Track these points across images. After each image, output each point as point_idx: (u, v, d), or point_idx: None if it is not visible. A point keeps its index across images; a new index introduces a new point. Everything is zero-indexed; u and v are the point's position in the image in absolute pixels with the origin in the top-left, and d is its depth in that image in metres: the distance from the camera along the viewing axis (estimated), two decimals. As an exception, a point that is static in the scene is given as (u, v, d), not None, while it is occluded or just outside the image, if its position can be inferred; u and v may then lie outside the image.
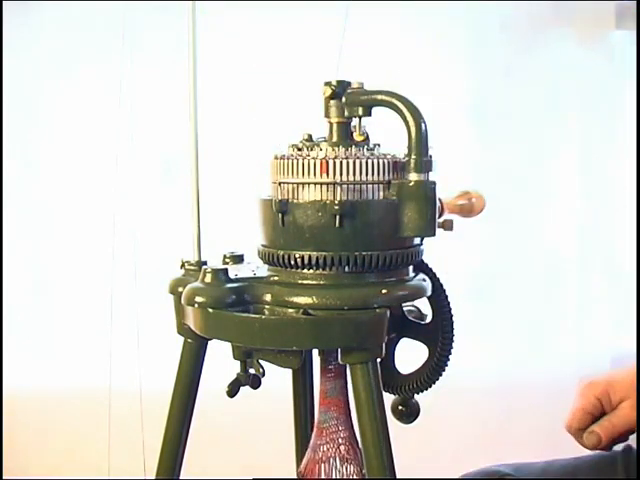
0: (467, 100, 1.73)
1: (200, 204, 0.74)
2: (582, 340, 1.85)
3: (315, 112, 0.72)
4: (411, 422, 0.78)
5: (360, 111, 0.69)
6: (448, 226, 0.74)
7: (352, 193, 0.66)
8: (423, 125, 0.66)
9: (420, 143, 0.66)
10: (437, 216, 0.68)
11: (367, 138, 0.70)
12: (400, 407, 0.78)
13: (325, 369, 0.74)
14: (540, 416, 1.81)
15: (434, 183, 0.67)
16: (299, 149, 0.69)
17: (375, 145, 0.69)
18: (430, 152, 0.68)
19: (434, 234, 0.67)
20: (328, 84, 0.69)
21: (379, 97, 0.68)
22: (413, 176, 0.66)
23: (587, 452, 0.88)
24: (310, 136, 0.70)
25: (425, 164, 0.66)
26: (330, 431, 0.73)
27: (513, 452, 1.00)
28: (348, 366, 0.66)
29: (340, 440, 0.73)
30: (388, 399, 0.75)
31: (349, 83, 0.69)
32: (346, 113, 0.69)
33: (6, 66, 1.54)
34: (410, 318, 0.77)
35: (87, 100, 1.59)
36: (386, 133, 0.72)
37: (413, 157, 0.66)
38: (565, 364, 1.83)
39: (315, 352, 0.76)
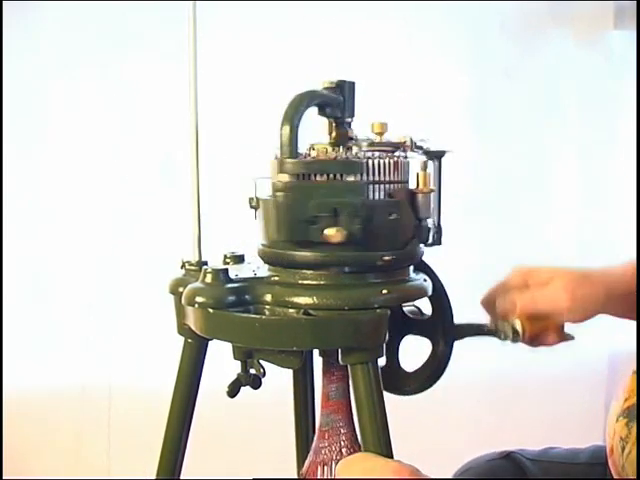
0: (467, 100, 1.74)
1: (200, 204, 0.74)
2: (580, 338, 1.85)
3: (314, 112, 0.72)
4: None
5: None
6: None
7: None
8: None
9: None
10: None
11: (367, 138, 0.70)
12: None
13: (328, 372, 0.74)
14: (538, 414, 1.81)
15: None
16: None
17: (375, 145, 0.69)
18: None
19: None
20: (325, 83, 0.69)
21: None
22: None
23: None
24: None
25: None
26: (332, 434, 0.73)
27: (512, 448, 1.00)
28: (348, 366, 0.66)
29: (342, 443, 0.73)
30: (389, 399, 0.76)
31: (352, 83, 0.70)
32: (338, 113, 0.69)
33: (6, 66, 1.53)
34: (410, 315, 0.77)
35: (87, 100, 1.59)
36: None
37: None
38: (563, 363, 1.83)
39: (316, 352, 0.76)
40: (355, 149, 0.68)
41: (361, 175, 0.66)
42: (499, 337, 0.75)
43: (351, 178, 0.66)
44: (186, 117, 0.73)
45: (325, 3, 1.58)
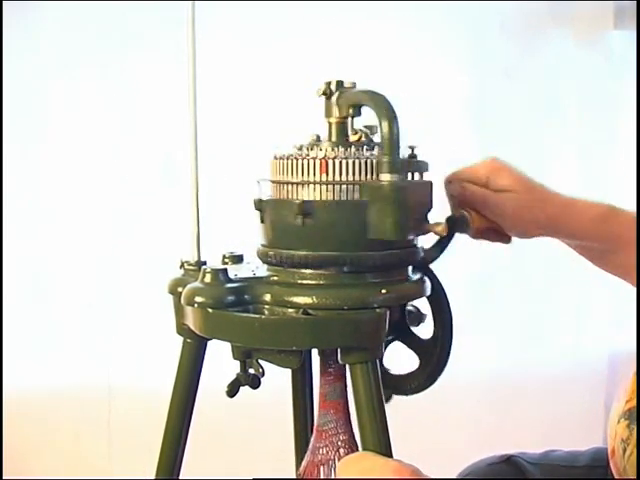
0: (466, 100, 1.74)
1: (199, 204, 0.74)
2: (580, 338, 1.85)
3: (316, 112, 0.72)
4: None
5: (350, 111, 0.69)
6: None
7: (352, 193, 0.66)
8: (395, 125, 0.64)
9: (391, 143, 0.64)
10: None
11: (367, 137, 0.70)
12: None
13: (325, 372, 0.74)
14: (539, 413, 1.81)
15: (404, 185, 0.65)
16: (299, 149, 0.69)
17: (376, 145, 0.69)
18: (416, 152, 0.69)
19: (401, 237, 0.65)
20: (324, 83, 0.69)
21: (358, 96, 0.68)
22: (385, 177, 0.64)
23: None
24: (318, 137, 0.70)
25: (397, 165, 0.64)
26: (329, 434, 0.73)
27: (512, 449, 1.00)
28: (348, 366, 0.66)
29: (339, 443, 0.73)
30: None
31: (342, 83, 0.69)
32: (340, 113, 0.69)
33: (6, 66, 1.54)
34: (410, 327, 0.77)
35: (87, 100, 1.59)
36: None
37: (385, 157, 0.64)
38: (563, 363, 1.83)
39: (315, 352, 0.76)
40: (355, 149, 0.68)
41: (360, 175, 0.66)
42: (452, 227, 0.74)
43: (351, 177, 0.66)
44: (186, 117, 0.73)
45: (325, 3, 1.58)
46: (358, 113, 0.69)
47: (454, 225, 0.74)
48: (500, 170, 0.78)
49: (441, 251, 0.75)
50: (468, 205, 0.76)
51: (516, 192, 0.77)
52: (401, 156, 0.66)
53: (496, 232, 0.80)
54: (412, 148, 0.70)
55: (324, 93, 0.69)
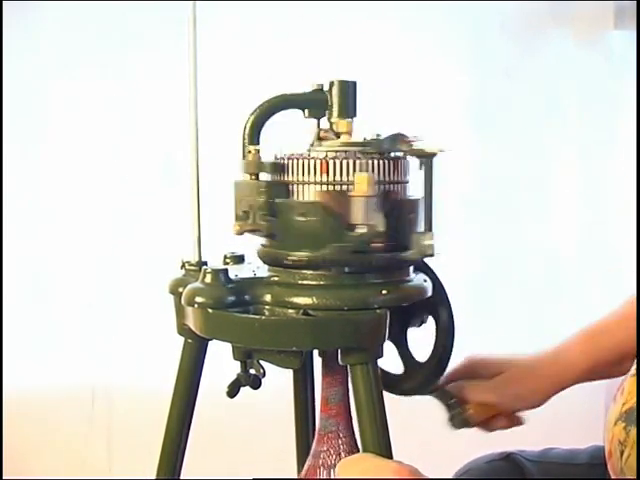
0: (467, 100, 1.74)
1: (200, 204, 0.74)
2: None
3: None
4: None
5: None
6: None
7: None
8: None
9: None
10: None
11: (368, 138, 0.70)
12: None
13: (327, 375, 0.73)
14: (538, 414, 1.81)
15: None
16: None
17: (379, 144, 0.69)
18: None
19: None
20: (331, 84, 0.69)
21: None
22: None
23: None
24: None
25: None
26: (331, 437, 0.73)
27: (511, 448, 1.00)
28: (348, 367, 0.66)
29: (341, 447, 0.73)
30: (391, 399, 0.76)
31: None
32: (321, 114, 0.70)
33: (6, 66, 1.54)
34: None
35: (87, 100, 1.59)
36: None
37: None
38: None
39: (316, 353, 0.76)
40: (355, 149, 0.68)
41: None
42: (452, 423, 0.80)
43: (351, 178, 0.66)
44: (187, 117, 0.73)
45: (325, 3, 1.58)
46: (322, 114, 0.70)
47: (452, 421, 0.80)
48: (484, 360, 0.84)
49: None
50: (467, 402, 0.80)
51: (507, 371, 0.81)
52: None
53: (503, 416, 0.83)
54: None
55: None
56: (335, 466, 0.72)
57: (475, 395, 0.80)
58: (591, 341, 0.85)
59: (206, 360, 0.74)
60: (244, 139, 0.69)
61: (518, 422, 0.84)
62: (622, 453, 0.72)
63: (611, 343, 0.84)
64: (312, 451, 0.74)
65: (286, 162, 0.68)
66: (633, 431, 0.70)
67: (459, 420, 0.78)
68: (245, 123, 0.69)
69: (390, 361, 0.78)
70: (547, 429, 1.74)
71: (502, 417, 0.82)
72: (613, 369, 0.84)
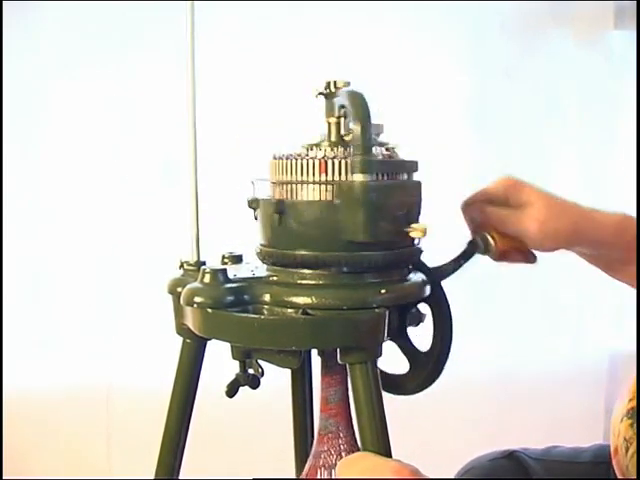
0: (467, 100, 1.74)
1: (199, 204, 0.74)
2: (581, 339, 1.85)
3: (316, 112, 0.72)
4: None
5: (342, 111, 0.68)
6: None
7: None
8: (368, 125, 0.63)
9: (363, 143, 0.63)
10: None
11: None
12: None
13: (327, 376, 0.73)
14: (538, 414, 1.81)
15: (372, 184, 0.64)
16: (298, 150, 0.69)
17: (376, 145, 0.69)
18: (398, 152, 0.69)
19: (371, 239, 0.65)
20: (324, 84, 0.69)
21: (341, 96, 0.67)
22: (357, 177, 0.64)
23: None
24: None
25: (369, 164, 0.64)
26: (331, 437, 0.73)
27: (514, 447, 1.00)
28: (347, 366, 0.66)
29: (342, 447, 0.73)
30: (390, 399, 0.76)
31: (336, 82, 0.69)
32: (336, 112, 0.69)
33: (6, 66, 1.54)
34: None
35: (87, 100, 1.59)
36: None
37: (357, 157, 0.64)
38: (563, 363, 1.83)
39: (315, 354, 0.76)
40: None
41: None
42: (473, 249, 0.75)
43: (350, 177, 0.66)
44: (185, 117, 0.73)
45: (325, 3, 1.58)
46: None
47: (475, 248, 0.75)
48: (518, 186, 0.78)
49: (454, 269, 0.75)
50: (489, 227, 0.76)
51: (537, 206, 0.76)
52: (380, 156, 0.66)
53: (520, 252, 0.79)
54: (389, 149, 0.69)
55: (320, 93, 0.69)
56: (336, 466, 0.72)
57: (499, 224, 0.76)
58: (626, 221, 0.81)
59: (205, 360, 0.74)
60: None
61: (532, 259, 0.80)
62: (627, 450, 0.73)
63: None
64: (312, 451, 0.74)
65: (285, 162, 0.68)
66: (636, 430, 0.70)
67: (482, 245, 0.75)
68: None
69: (389, 361, 0.78)
70: (547, 428, 1.75)
71: (520, 252, 0.78)
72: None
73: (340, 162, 0.66)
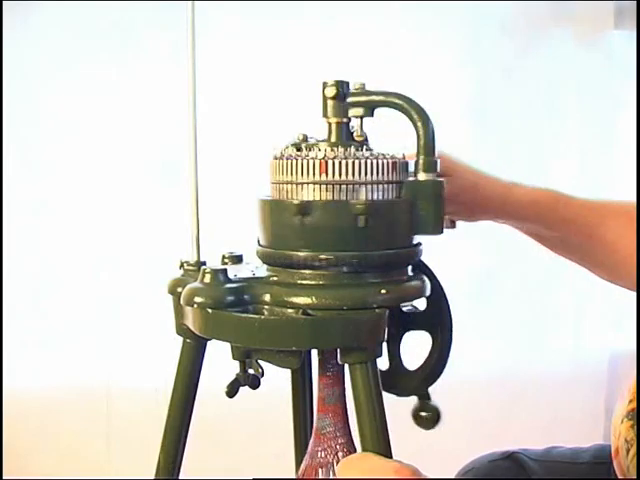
0: (467, 100, 1.74)
1: (199, 204, 0.74)
2: (581, 339, 1.85)
3: (313, 112, 0.72)
4: (433, 427, 0.78)
5: (362, 112, 0.69)
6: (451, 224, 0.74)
7: (351, 193, 0.66)
8: (431, 126, 0.68)
9: (428, 144, 0.68)
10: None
11: (366, 139, 0.70)
12: (422, 413, 0.78)
13: (323, 375, 0.73)
14: (539, 414, 1.81)
15: (442, 183, 0.68)
16: (298, 149, 0.69)
17: (366, 145, 0.69)
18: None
19: (441, 232, 0.68)
20: (334, 84, 0.69)
21: (385, 98, 0.69)
22: (422, 176, 0.67)
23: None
24: (305, 136, 0.70)
25: (434, 164, 0.68)
26: (328, 437, 0.73)
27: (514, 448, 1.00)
28: (347, 366, 0.66)
29: (338, 447, 0.73)
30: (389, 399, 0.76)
31: (348, 83, 0.69)
32: (348, 113, 0.69)
33: (6, 66, 1.54)
34: (406, 310, 0.77)
35: (87, 100, 1.59)
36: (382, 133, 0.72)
37: (422, 157, 0.67)
38: (563, 363, 1.83)
39: (315, 354, 0.76)
40: (354, 149, 0.68)
41: (360, 175, 0.66)
42: None
43: (350, 178, 0.66)
44: (185, 117, 0.73)
45: (325, 3, 1.58)
46: (371, 114, 0.70)
47: None
48: (452, 164, 0.82)
49: None
50: None
51: (454, 176, 0.79)
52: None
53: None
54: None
55: (336, 94, 0.69)
56: (332, 466, 0.72)
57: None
58: (549, 195, 0.83)
59: (205, 360, 0.74)
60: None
61: (452, 225, 0.83)
62: (628, 451, 0.73)
63: (565, 213, 0.83)
64: (309, 451, 0.74)
65: (285, 162, 0.68)
66: (636, 431, 0.70)
67: None
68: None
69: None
70: (548, 428, 1.75)
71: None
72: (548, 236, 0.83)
73: (340, 162, 0.66)
